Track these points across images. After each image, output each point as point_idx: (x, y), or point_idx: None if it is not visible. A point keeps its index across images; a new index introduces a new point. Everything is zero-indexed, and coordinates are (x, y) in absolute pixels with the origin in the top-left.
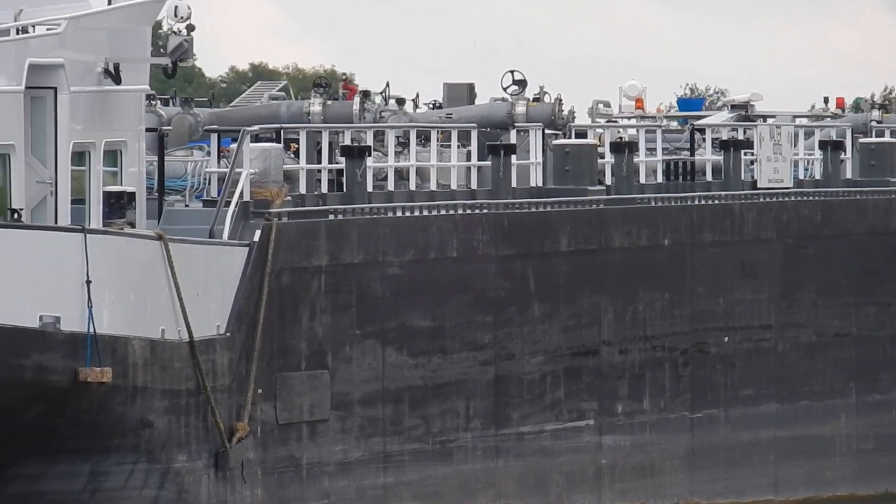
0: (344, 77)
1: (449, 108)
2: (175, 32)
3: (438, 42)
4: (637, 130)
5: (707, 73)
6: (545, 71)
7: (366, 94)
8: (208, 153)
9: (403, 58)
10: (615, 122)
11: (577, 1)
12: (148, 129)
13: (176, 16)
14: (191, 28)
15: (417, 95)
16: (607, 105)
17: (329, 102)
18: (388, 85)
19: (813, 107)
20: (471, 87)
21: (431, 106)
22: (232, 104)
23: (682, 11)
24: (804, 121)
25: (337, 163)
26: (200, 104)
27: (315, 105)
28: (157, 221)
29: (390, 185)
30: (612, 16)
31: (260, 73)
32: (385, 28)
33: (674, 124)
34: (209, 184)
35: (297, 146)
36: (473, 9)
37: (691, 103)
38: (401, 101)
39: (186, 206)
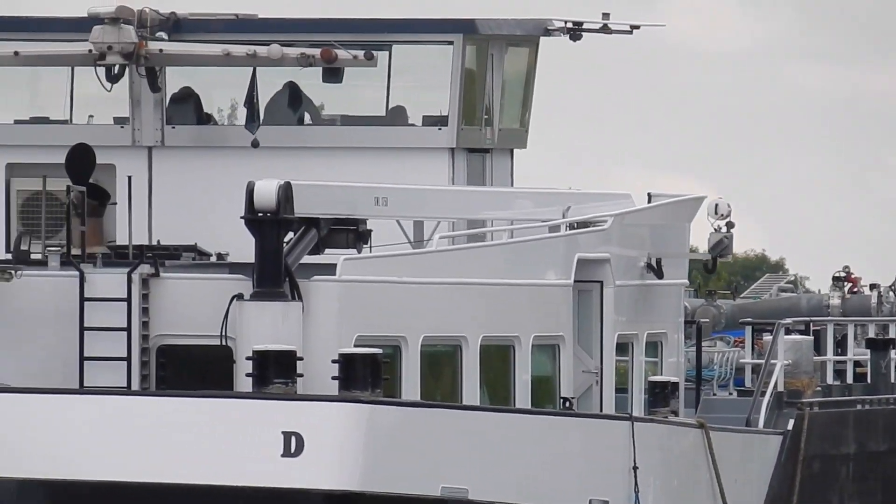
0: (847, 269)
1: None
2: (716, 229)
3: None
4: None
5: None
6: None
7: (875, 287)
8: (733, 343)
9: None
10: None
11: None
12: None
13: (716, 213)
14: (730, 225)
15: None
16: None
17: (848, 296)
18: None
19: None
20: None
21: None
22: (742, 296)
23: None
24: None
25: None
26: (723, 296)
27: (834, 298)
28: (695, 410)
29: None
30: None
31: None
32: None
33: None
34: (734, 372)
35: None
36: None
37: None
38: None
39: (714, 395)
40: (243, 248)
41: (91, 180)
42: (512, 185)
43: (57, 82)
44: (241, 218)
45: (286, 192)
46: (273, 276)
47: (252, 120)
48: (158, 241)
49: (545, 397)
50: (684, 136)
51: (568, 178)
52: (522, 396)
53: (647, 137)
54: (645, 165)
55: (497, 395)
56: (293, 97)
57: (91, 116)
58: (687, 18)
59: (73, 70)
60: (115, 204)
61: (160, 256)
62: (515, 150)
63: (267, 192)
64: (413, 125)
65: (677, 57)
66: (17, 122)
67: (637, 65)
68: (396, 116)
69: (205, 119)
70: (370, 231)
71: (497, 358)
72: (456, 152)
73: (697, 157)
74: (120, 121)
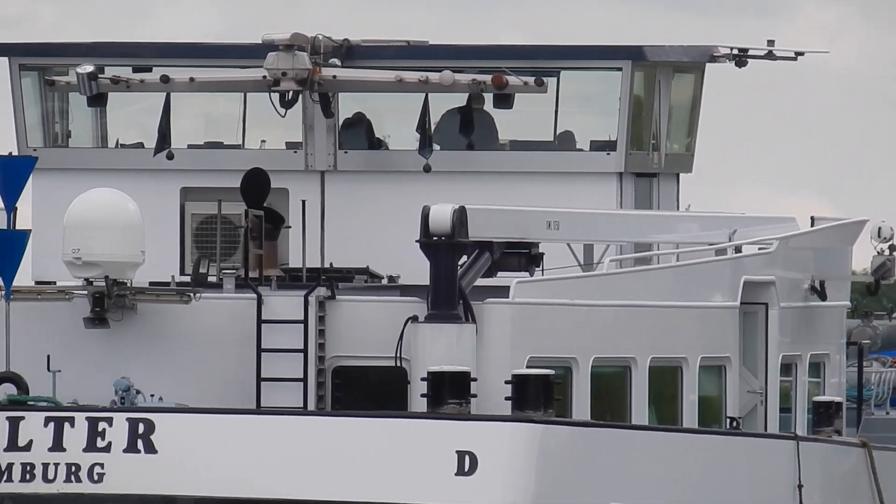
0: None
1: None
2: (878, 252)
3: None
4: None
5: None
6: None
7: None
8: (889, 364)
9: None
10: None
11: None
12: None
13: (879, 236)
14: (893, 248)
15: None
16: None
17: None
18: None
19: None
20: None
21: None
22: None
23: None
24: None
25: None
26: (879, 317)
27: None
28: (856, 429)
29: None
30: None
31: None
32: None
33: None
34: (891, 392)
35: None
36: None
37: None
38: None
39: (872, 414)
40: (414, 270)
41: (265, 204)
42: (678, 208)
43: (230, 108)
44: (417, 241)
45: (461, 216)
46: (447, 299)
47: (425, 146)
48: (331, 264)
49: (712, 417)
50: (821, 156)
51: (732, 202)
52: (689, 416)
53: (798, 159)
54: (802, 188)
55: (665, 415)
56: (465, 121)
57: (263, 141)
58: (812, 37)
59: (245, 96)
60: (290, 227)
61: (334, 279)
62: (681, 175)
63: (442, 217)
64: (581, 150)
65: (813, 78)
66: (190, 146)
67: (791, 89)
68: (565, 141)
69: (376, 144)
70: (542, 254)
71: (665, 378)
72: (624, 177)
73: (816, 175)
74: (292, 146)
